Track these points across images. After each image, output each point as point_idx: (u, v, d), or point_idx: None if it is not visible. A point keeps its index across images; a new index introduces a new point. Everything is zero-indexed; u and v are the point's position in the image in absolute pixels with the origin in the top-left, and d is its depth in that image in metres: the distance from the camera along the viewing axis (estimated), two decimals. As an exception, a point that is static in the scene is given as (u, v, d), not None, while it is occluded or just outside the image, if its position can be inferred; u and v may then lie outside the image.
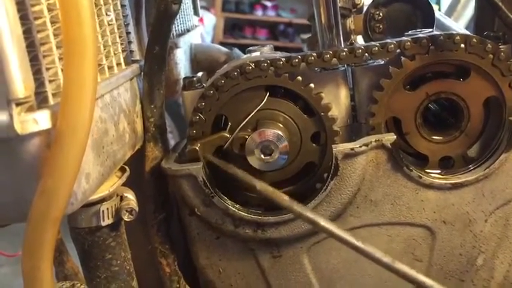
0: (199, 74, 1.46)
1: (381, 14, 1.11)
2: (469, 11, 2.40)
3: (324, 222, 0.69)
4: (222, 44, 6.11)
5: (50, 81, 0.61)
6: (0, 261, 2.53)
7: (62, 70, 0.61)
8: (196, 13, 1.55)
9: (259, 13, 6.07)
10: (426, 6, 1.09)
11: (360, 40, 1.24)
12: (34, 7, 0.60)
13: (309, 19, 1.22)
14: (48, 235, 0.60)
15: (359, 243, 0.68)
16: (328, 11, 1.00)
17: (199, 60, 1.42)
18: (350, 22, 1.18)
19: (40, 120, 0.57)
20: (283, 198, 0.74)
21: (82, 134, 0.59)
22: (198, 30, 1.51)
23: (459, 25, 2.04)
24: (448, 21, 1.49)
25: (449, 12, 2.60)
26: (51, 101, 0.61)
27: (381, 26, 1.11)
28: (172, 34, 1.30)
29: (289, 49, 5.97)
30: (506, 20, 0.79)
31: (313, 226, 0.74)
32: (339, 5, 1.08)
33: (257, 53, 0.98)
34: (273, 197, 0.75)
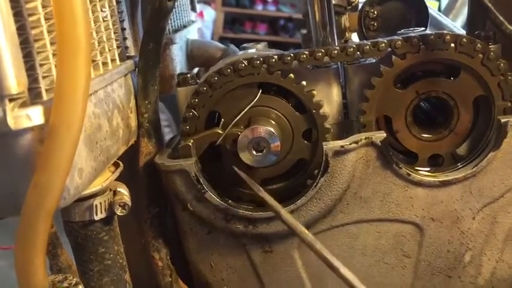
0: (195, 69, 1.48)
1: (375, 12, 1.12)
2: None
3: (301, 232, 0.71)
4: (222, 38, 6.08)
5: (44, 77, 0.62)
6: (-3, 253, 2.53)
7: (56, 66, 0.62)
8: (193, 9, 1.56)
9: (259, 8, 6.06)
10: (420, 4, 1.10)
11: (354, 37, 1.25)
12: (28, 4, 0.60)
13: (304, 15, 1.23)
14: (41, 229, 0.61)
15: (332, 259, 0.69)
16: (322, 8, 1.01)
17: (195, 55, 1.43)
18: (345, 19, 1.19)
19: (33, 116, 0.58)
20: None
21: (75, 129, 0.60)
22: (194, 25, 1.52)
23: (457, 23, 2.04)
24: (443, 19, 1.50)
25: (448, 9, 2.60)
26: (45, 96, 0.62)
27: (375, 24, 1.13)
28: (169, 30, 1.31)
29: (289, 44, 5.97)
30: (495, 20, 0.80)
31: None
32: (334, 2, 1.09)
33: (252, 50, 0.99)
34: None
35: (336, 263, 0.67)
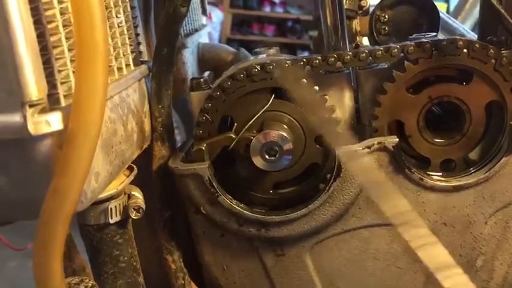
0: (206, 73, 1.49)
1: (386, 16, 1.12)
2: (478, 10, 2.39)
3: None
4: (230, 40, 6.09)
5: (62, 83, 0.63)
6: (9, 254, 2.56)
7: (74, 72, 0.64)
8: (204, 13, 1.57)
9: (267, 9, 6.07)
10: (431, 9, 1.10)
11: (365, 41, 1.25)
12: (47, 11, 0.61)
13: (315, 19, 1.23)
14: (59, 232, 0.63)
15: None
16: (334, 12, 1.01)
17: (207, 59, 1.44)
18: (356, 24, 1.19)
19: (52, 122, 0.60)
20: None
21: (93, 135, 0.61)
22: (206, 29, 1.53)
23: (466, 25, 2.04)
24: (452, 22, 1.50)
25: (458, 11, 2.59)
26: (63, 102, 0.63)
27: (386, 28, 1.13)
28: (181, 34, 1.32)
29: (297, 45, 5.98)
30: (508, 26, 0.81)
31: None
32: (345, 7, 1.10)
33: (263, 55, 0.99)
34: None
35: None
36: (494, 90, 0.87)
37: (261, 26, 6.14)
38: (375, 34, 1.14)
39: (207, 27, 1.56)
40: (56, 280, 0.65)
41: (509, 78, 0.85)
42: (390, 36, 1.13)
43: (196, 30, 1.44)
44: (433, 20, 1.09)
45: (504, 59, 0.84)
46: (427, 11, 1.10)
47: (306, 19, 5.80)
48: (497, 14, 0.81)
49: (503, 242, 0.91)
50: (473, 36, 1.23)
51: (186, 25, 1.37)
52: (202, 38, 1.49)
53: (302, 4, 5.97)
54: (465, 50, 0.85)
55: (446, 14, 1.64)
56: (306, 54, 0.99)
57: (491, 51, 0.84)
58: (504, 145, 0.88)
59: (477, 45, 0.84)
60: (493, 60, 0.85)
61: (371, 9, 1.16)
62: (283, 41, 5.91)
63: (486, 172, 0.88)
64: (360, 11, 1.17)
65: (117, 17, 0.83)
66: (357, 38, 1.20)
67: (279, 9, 6.08)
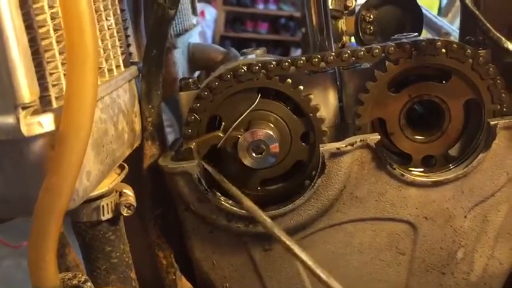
0: (196, 73, 1.51)
1: (371, 16, 1.15)
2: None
3: (297, 250, 0.77)
4: (223, 37, 6.08)
5: (53, 85, 0.66)
6: (3, 253, 2.58)
7: (65, 75, 0.66)
8: (194, 12, 1.59)
9: (260, 7, 6.09)
10: (415, 9, 1.13)
11: (352, 41, 1.27)
12: (38, 16, 0.64)
13: (302, 17, 1.26)
14: (52, 229, 0.65)
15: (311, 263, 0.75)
16: (318, 13, 1.04)
17: (197, 59, 1.46)
18: (342, 23, 1.22)
19: (44, 123, 0.62)
20: (265, 218, 0.81)
21: (83, 135, 0.64)
22: (196, 29, 1.55)
23: (455, 24, 2.07)
24: (438, 21, 1.53)
25: (447, 10, 2.63)
26: (55, 104, 0.65)
27: (371, 28, 1.15)
28: (171, 35, 1.34)
29: (290, 43, 6.00)
30: (482, 27, 0.84)
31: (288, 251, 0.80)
32: (331, 7, 1.12)
33: (251, 56, 1.02)
34: (256, 216, 0.82)
35: (310, 263, 0.72)
36: (472, 88, 0.90)
37: (255, 24, 6.16)
38: (360, 34, 1.16)
39: (198, 27, 1.58)
40: (50, 274, 0.67)
41: (486, 77, 0.88)
42: (375, 36, 1.15)
43: (187, 31, 1.46)
44: (416, 20, 1.12)
45: (481, 58, 0.87)
46: (411, 11, 1.13)
47: (299, 16, 5.80)
48: (473, 15, 0.84)
49: (482, 234, 0.95)
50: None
51: (176, 25, 1.40)
52: (193, 38, 1.52)
53: (295, 1, 5.98)
54: (443, 50, 0.87)
55: (432, 13, 1.67)
56: (299, 51, 1.01)
57: (469, 51, 0.87)
58: (482, 142, 0.91)
59: (455, 45, 0.87)
60: (471, 60, 0.88)
61: (357, 9, 1.18)
62: (277, 38, 5.93)
63: (465, 168, 0.91)
64: (346, 11, 1.20)
65: (106, 19, 0.85)
66: (344, 37, 1.23)
67: (272, 7, 6.10)
